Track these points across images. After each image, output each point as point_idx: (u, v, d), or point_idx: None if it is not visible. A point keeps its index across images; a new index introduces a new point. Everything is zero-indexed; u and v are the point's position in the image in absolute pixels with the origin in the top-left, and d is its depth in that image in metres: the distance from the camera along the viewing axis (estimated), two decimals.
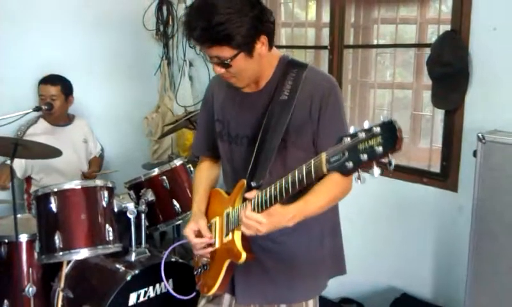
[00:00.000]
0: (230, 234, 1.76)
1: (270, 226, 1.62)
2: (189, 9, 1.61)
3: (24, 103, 3.24)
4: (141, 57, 4.15)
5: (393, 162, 1.26)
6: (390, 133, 1.25)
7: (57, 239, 2.46)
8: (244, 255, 1.71)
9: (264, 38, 1.64)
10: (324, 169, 1.38)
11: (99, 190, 2.59)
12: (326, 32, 3.28)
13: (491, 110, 2.48)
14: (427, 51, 2.69)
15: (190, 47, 1.66)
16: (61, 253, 2.47)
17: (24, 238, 2.67)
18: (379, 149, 1.25)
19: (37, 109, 3.17)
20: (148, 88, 4.20)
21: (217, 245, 1.84)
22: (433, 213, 2.79)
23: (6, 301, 2.67)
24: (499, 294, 2.28)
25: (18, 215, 2.66)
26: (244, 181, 1.74)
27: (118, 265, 2.61)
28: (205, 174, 2.03)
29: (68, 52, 3.73)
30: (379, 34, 3.14)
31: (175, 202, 2.87)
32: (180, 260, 2.72)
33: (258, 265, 1.79)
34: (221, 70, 1.66)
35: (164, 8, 4.14)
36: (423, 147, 2.95)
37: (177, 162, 2.94)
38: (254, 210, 1.62)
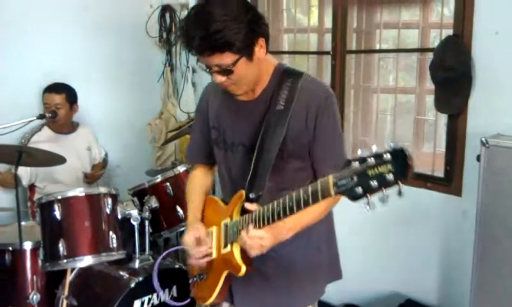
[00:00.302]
0: (229, 246, 1.75)
1: (272, 240, 1.63)
2: (185, 20, 1.61)
3: (27, 111, 3.25)
4: (144, 64, 4.16)
5: (403, 191, 1.26)
6: (401, 162, 1.25)
7: (61, 247, 2.47)
8: (243, 268, 1.70)
9: (261, 41, 1.65)
10: (332, 192, 1.38)
11: (103, 198, 2.60)
12: (328, 37, 3.28)
13: (494, 114, 2.48)
14: (430, 55, 2.69)
15: (192, 54, 1.64)
16: (65, 261, 2.48)
17: (28, 245, 2.67)
18: (390, 177, 1.26)
19: (41, 116, 3.18)
20: (152, 95, 4.21)
21: (214, 255, 1.82)
22: (437, 218, 2.78)
23: None
24: (504, 299, 2.27)
25: (22, 223, 2.67)
26: (243, 192, 1.73)
27: (122, 272, 2.61)
28: (199, 181, 2.01)
29: (72, 60, 3.74)
30: (382, 39, 3.14)
31: (179, 208, 2.87)
32: (184, 267, 2.72)
33: (256, 272, 1.78)
34: (222, 79, 1.65)
35: (167, 15, 4.15)
36: (426, 151, 2.95)
37: (181, 169, 2.94)
38: (255, 225, 1.62)
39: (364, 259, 3.10)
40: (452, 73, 2.54)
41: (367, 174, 1.29)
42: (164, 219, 2.88)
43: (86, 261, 2.50)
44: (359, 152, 1.32)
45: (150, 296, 2.58)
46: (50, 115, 3.25)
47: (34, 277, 2.68)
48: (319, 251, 1.90)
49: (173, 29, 4.16)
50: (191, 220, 1.91)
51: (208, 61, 1.61)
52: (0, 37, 3.48)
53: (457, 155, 2.64)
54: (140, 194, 2.87)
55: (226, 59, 1.59)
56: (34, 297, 2.64)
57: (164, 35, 4.18)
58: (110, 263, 2.64)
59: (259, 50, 1.65)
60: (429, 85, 2.80)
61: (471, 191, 2.44)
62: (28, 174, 3.35)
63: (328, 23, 3.28)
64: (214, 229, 1.84)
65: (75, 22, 3.74)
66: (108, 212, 2.58)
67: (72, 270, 2.65)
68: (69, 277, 2.63)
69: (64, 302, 2.60)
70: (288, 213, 1.53)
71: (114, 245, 2.56)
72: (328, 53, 3.25)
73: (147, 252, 2.73)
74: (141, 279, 2.52)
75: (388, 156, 1.26)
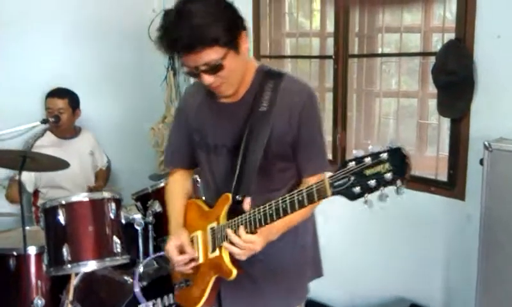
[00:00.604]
0: (217, 250, 1.73)
1: (263, 243, 1.64)
2: (165, 24, 1.60)
3: (29, 116, 3.25)
4: (147, 68, 4.17)
5: (403, 189, 1.27)
6: (399, 161, 1.26)
7: (66, 251, 2.48)
8: (235, 272, 1.69)
9: (244, 34, 1.66)
10: (329, 193, 1.39)
11: (106, 202, 2.60)
12: (330, 41, 3.29)
13: (496, 118, 2.48)
14: (432, 59, 2.70)
15: (176, 57, 1.62)
16: (69, 265, 2.48)
17: (32, 250, 2.68)
18: (388, 176, 1.27)
19: (44, 121, 3.18)
20: (154, 99, 4.22)
21: (201, 260, 1.80)
22: (441, 222, 2.78)
23: None
24: (508, 304, 2.27)
25: (27, 228, 2.67)
26: (229, 195, 1.72)
27: (126, 277, 2.62)
28: (179, 186, 1.99)
29: (74, 65, 3.76)
30: (384, 43, 3.15)
31: None
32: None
33: (245, 276, 1.76)
34: (211, 79, 1.63)
35: None
36: (429, 155, 2.95)
37: None
38: (246, 227, 1.62)
39: (368, 263, 3.10)
40: (454, 77, 2.55)
41: (364, 174, 1.31)
42: (167, 223, 2.88)
43: (90, 266, 2.50)
44: (354, 152, 1.33)
45: (155, 300, 2.58)
46: (53, 120, 3.25)
47: (39, 282, 2.69)
48: (304, 249, 1.91)
49: None
50: (174, 227, 1.88)
51: (195, 61, 1.59)
52: (3, 43, 3.50)
53: (461, 159, 2.64)
54: (144, 199, 2.87)
55: (215, 54, 1.57)
56: (39, 301, 2.65)
57: None
58: (114, 267, 2.65)
59: (243, 43, 1.65)
60: (432, 89, 2.80)
61: (474, 195, 2.44)
62: (32, 179, 3.37)
63: (330, 27, 3.29)
64: (199, 233, 1.82)
65: (77, 27, 3.77)
66: (112, 217, 2.59)
67: (76, 274, 2.66)
68: (73, 282, 2.64)
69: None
70: (282, 215, 1.53)
71: (118, 250, 2.56)
72: (330, 57, 3.25)
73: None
74: (145, 283, 2.52)
75: (384, 155, 1.28)
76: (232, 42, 1.60)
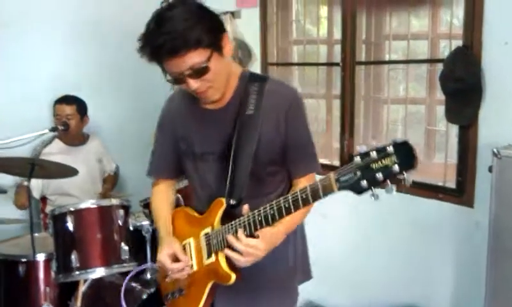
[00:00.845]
0: (213, 256, 1.72)
1: (267, 249, 1.63)
2: (146, 34, 1.60)
3: (36, 124, 3.27)
4: (153, 73, 4.17)
5: (410, 179, 1.29)
6: (406, 153, 1.29)
7: (74, 258, 2.49)
8: (233, 276, 1.68)
9: (226, 36, 1.66)
10: (335, 188, 1.40)
11: (115, 209, 2.62)
12: (337, 49, 3.29)
13: (504, 125, 2.47)
14: (440, 66, 2.69)
15: (159, 64, 1.61)
16: (77, 272, 2.50)
17: (41, 257, 2.70)
18: (395, 168, 1.29)
19: (53, 129, 3.21)
20: (161, 104, 4.21)
21: (195, 267, 1.79)
22: (449, 229, 2.77)
23: None
24: None
25: (35, 234, 2.69)
26: (223, 200, 1.72)
27: (133, 284, 2.63)
28: (165, 196, 1.98)
29: (80, 72, 3.78)
30: (391, 49, 3.15)
31: None
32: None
33: (240, 285, 1.74)
34: (197, 83, 1.62)
35: None
36: (438, 162, 2.94)
37: None
38: (245, 230, 1.61)
39: (375, 269, 3.09)
40: (462, 84, 2.54)
41: (370, 168, 1.33)
42: None
43: (98, 272, 2.52)
44: (358, 148, 1.34)
45: None
46: (62, 127, 3.28)
47: (47, 288, 2.70)
48: (296, 253, 1.91)
49: None
50: (164, 236, 1.86)
51: (180, 66, 1.58)
52: (11, 52, 3.54)
53: (469, 165, 2.63)
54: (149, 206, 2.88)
55: (199, 56, 1.57)
56: None
57: None
58: (122, 274, 2.65)
59: (226, 45, 1.66)
60: (440, 95, 2.79)
61: (483, 202, 2.43)
62: (40, 186, 3.39)
63: (338, 34, 3.30)
64: (190, 240, 1.81)
65: (83, 34, 3.79)
66: (120, 224, 2.60)
67: (85, 281, 2.67)
68: (81, 288, 2.65)
69: None
70: (284, 214, 1.53)
71: (126, 256, 2.57)
72: (337, 64, 3.26)
73: None
74: (152, 290, 2.53)
75: (391, 148, 1.30)
76: (214, 44, 1.60)
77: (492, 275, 2.31)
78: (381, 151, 1.31)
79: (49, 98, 3.54)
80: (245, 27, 3.66)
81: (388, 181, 1.32)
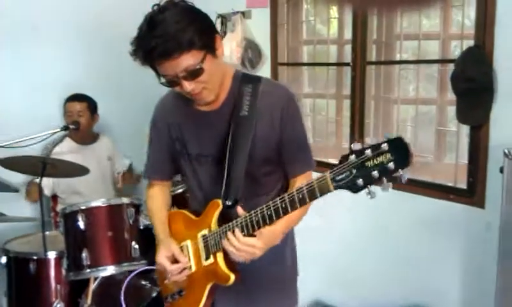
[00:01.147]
0: (212, 257, 1.73)
1: (265, 247, 1.64)
2: (139, 38, 1.60)
3: (47, 124, 3.30)
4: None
5: (406, 176, 1.29)
6: (401, 149, 1.29)
7: (85, 256, 2.51)
8: (232, 277, 1.69)
9: (218, 37, 1.66)
10: (331, 188, 1.41)
11: (125, 208, 2.63)
12: (348, 49, 3.29)
13: None
14: (451, 66, 2.68)
15: (153, 67, 1.61)
16: (88, 270, 2.51)
17: (52, 255, 2.71)
18: (391, 165, 1.29)
19: (65, 128, 3.23)
20: None
21: (193, 268, 1.80)
22: (460, 230, 2.75)
23: None
24: None
25: (46, 232, 2.71)
26: (219, 201, 1.73)
27: (143, 282, 2.64)
28: (160, 198, 1.99)
29: (91, 71, 3.80)
30: (402, 49, 3.13)
31: None
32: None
33: (238, 284, 1.75)
34: (191, 85, 1.62)
35: None
36: (448, 163, 2.93)
37: None
38: (243, 231, 1.62)
39: (385, 270, 3.08)
40: (473, 84, 2.53)
41: (366, 166, 1.33)
42: None
43: (109, 270, 2.53)
44: (352, 146, 1.34)
45: None
46: (73, 126, 3.30)
47: (58, 286, 2.72)
48: (292, 252, 1.92)
49: None
50: (161, 238, 1.88)
51: (174, 68, 1.58)
52: (21, 51, 3.57)
53: (480, 166, 2.61)
54: None
55: (193, 58, 1.57)
56: (58, 305, 2.68)
57: None
58: (132, 272, 2.66)
59: (219, 47, 1.66)
60: (451, 95, 2.78)
61: (494, 203, 2.42)
62: (51, 184, 3.42)
63: (348, 34, 3.29)
64: (188, 242, 1.82)
65: (90, 37, 3.81)
66: (130, 222, 2.61)
67: (95, 279, 2.68)
68: (92, 286, 2.66)
69: None
70: (282, 215, 1.55)
71: (136, 254, 2.58)
72: (347, 64, 3.25)
73: None
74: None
75: (385, 146, 1.30)
76: (207, 45, 1.61)
77: (502, 276, 2.29)
78: (376, 149, 1.31)
79: (59, 98, 3.57)
80: (255, 27, 3.66)
81: (384, 179, 1.32)
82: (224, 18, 3.74)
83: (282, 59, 3.65)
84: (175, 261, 1.81)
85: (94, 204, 2.59)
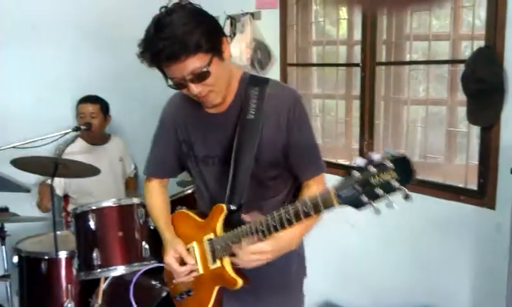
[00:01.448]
0: (218, 261, 1.74)
1: (277, 253, 1.65)
2: (146, 40, 1.61)
3: (60, 124, 3.33)
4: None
5: (410, 195, 1.31)
6: (404, 167, 1.30)
7: (96, 256, 2.52)
8: (240, 282, 1.70)
9: (225, 40, 1.66)
10: (335, 203, 1.42)
11: (136, 208, 2.64)
12: (357, 49, 3.28)
13: None
14: (462, 67, 2.67)
15: (160, 69, 1.61)
16: (99, 270, 2.53)
17: (63, 254, 2.74)
18: (395, 183, 1.31)
19: (76, 129, 3.26)
20: None
21: (201, 271, 1.80)
22: (470, 231, 2.74)
23: None
24: None
25: (58, 232, 2.73)
26: (223, 206, 1.73)
27: (154, 282, 2.65)
28: (161, 197, 2.00)
29: (102, 72, 3.83)
30: (412, 49, 3.12)
31: None
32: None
33: (248, 290, 1.76)
34: (198, 88, 1.63)
35: None
36: (459, 164, 2.91)
37: None
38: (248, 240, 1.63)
39: (395, 272, 3.07)
40: (484, 84, 2.52)
41: (370, 183, 1.34)
42: None
43: (119, 270, 2.54)
44: (355, 161, 1.35)
45: None
46: (85, 127, 3.33)
47: (69, 285, 2.75)
48: (299, 254, 1.93)
49: None
50: (168, 238, 1.88)
51: (181, 71, 1.59)
52: (32, 51, 3.60)
53: (491, 167, 2.60)
54: (172, 205, 2.86)
55: (199, 61, 1.58)
56: (69, 305, 2.71)
57: None
58: (143, 272, 2.68)
59: (226, 49, 1.66)
60: (461, 96, 2.77)
61: (505, 204, 2.41)
62: (62, 184, 3.45)
63: (357, 35, 3.29)
64: (194, 244, 1.82)
65: (106, 35, 3.84)
66: (141, 222, 2.62)
67: (105, 279, 2.70)
68: (102, 286, 2.68)
69: None
70: (286, 225, 1.54)
71: (147, 255, 2.59)
72: (357, 65, 3.25)
73: None
74: None
75: (389, 164, 1.31)
76: (214, 48, 1.61)
77: None
78: (380, 166, 1.32)
79: (71, 99, 3.60)
80: (265, 28, 3.67)
81: (388, 196, 1.32)
82: (233, 19, 3.75)
83: (291, 59, 3.65)
84: (181, 261, 1.82)
85: (105, 204, 2.60)
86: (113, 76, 3.88)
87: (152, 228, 2.67)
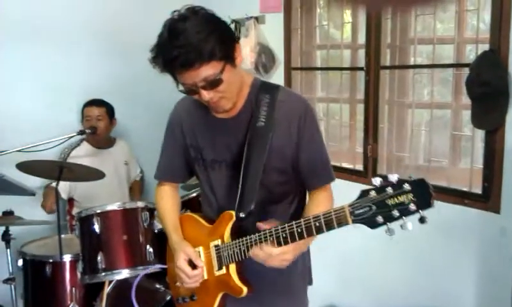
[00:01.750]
0: (224, 268, 1.74)
1: (295, 253, 1.64)
2: (159, 46, 1.60)
3: (65, 127, 3.34)
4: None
5: (427, 219, 1.31)
6: (422, 191, 1.31)
7: (100, 260, 2.52)
8: (245, 290, 1.70)
9: (238, 46, 1.66)
10: (350, 221, 1.42)
11: (140, 212, 2.64)
12: (361, 53, 3.28)
13: None
14: (466, 70, 2.66)
15: (173, 76, 1.62)
16: (103, 274, 2.53)
17: (67, 258, 2.75)
18: (412, 207, 1.32)
19: (81, 132, 3.27)
20: None
21: (205, 276, 1.80)
22: (475, 235, 2.73)
23: None
24: None
25: (62, 236, 2.74)
26: (232, 213, 1.73)
27: (158, 285, 2.66)
28: (171, 200, 2.00)
29: (108, 76, 3.84)
30: (416, 53, 3.12)
31: None
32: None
33: (253, 294, 1.76)
34: (210, 94, 1.63)
35: None
36: (463, 167, 2.90)
37: None
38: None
39: (400, 275, 3.06)
40: (488, 88, 2.51)
41: (386, 204, 1.34)
42: None
43: (124, 274, 2.54)
44: (373, 181, 1.34)
45: None
46: (90, 131, 3.34)
47: (73, 289, 2.76)
48: (303, 257, 1.91)
49: None
50: (177, 241, 1.87)
51: (194, 77, 1.59)
52: (38, 54, 3.61)
53: (495, 171, 2.59)
54: None
55: (213, 69, 1.58)
56: None
57: None
58: (147, 276, 2.67)
59: (238, 55, 1.66)
60: (465, 100, 2.76)
61: (509, 208, 2.40)
62: (67, 187, 3.45)
63: (362, 38, 3.29)
64: (200, 249, 1.82)
65: (112, 39, 3.85)
66: (145, 226, 2.63)
67: (110, 282, 2.71)
68: (107, 289, 2.69)
69: None
70: (297, 239, 1.55)
71: (151, 258, 2.60)
72: (361, 69, 3.25)
73: None
74: None
75: (407, 186, 1.31)
76: (227, 55, 1.61)
77: None
78: (398, 188, 1.32)
79: (77, 102, 3.62)
80: (269, 32, 3.68)
81: (404, 218, 1.32)
82: (238, 23, 3.76)
83: (296, 63, 3.66)
84: (194, 265, 1.81)
85: (109, 208, 2.61)
86: (119, 80, 3.89)
87: (156, 231, 2.69)
